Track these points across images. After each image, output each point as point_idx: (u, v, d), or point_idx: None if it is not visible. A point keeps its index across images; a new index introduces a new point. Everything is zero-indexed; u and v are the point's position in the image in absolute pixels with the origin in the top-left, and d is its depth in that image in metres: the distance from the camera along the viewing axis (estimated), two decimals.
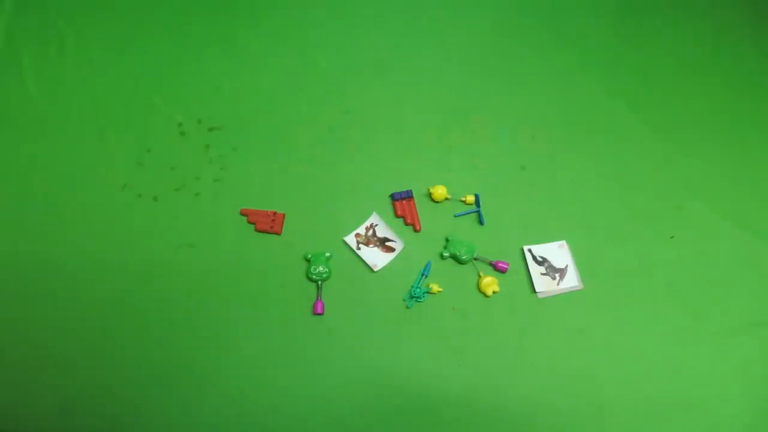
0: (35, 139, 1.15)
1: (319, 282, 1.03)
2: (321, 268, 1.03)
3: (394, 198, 1.11)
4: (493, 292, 1.04)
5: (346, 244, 1.08)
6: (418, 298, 1.03)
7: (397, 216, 1.11)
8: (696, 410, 0.98)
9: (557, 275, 1.06)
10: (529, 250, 1.08)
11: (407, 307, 1.03)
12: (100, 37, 1.27)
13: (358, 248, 1.07)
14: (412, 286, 1.04)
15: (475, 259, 1.07)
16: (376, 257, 1.06)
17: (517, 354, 1.01)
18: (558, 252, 1.08)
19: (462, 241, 1.07)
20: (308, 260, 1.05)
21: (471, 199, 1.11)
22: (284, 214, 1.09)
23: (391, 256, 1.07)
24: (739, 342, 1.03)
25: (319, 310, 1.01)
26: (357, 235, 1.08)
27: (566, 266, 1.07)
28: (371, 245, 1.08)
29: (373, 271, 1.06)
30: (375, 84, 1.24)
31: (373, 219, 1.10)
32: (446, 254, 1.06)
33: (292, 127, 1.19)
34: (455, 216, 1.11)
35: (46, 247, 1.06)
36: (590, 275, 1.07)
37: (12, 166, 1.13)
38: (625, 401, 0.98)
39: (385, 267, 1.06)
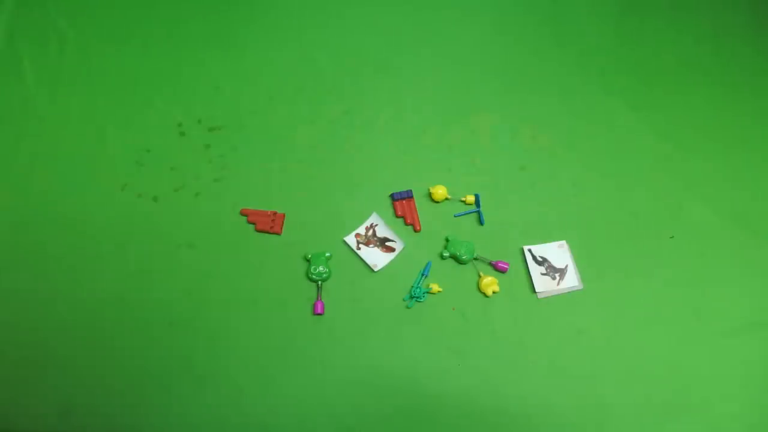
0: (35, 138, 1.15)
1: (319, 282, 1.03)
2: (321, 268, 1.03)
3: (394, 198, 1.11)
4: (493, 292, 1.04)
5: (346, 244, 1.08)
6: (418, 298, 1.03)
7: (397, 216, 1.11)
8: (696, 410, 0.98)
9: (557, 275, 1.06)
10: (529, 250, 1.08)
11: (407, 307, 1.03)
12: (100, 37, 1.27)
13: (358, 248, 1.07)
14: (412, 286, 1.04)
15: (475, 259, 1.07)
16: (376, 257, 1.06)
17: (517, 354, 1.01)
18: (558, 252, 1.08)
19: (462, 241, 1.07)
20: (308, 260, 1.05)
21: (471, 199, 1.11)
22: (284, 214, 1.09)
23: (391, 256, 1.07)
24: (739, 342, 1.03)
25: (319, 310, 1.01)
26: (357, 235, 1.08)
27: (566, 266, 1.07)
28: (371, 245, 1.08)
29: (373, 271, 1.06)
30: (375, 84, 1.24)
31: (373, 219, 1.10)
32: (446, 254, 1.06)
33: (292, 127, 1.19)
34: (455, 216, 1.11)
35: (45, 247, 1.06)
36: (590, 275, 1.07)
37: (12, 165, 1.13)
38: (625, 401, 0.98)
39: (385, 267, 1.06)
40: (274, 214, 1.09)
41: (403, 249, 1.08)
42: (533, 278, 1.06)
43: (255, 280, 1.04)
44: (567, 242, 1.09)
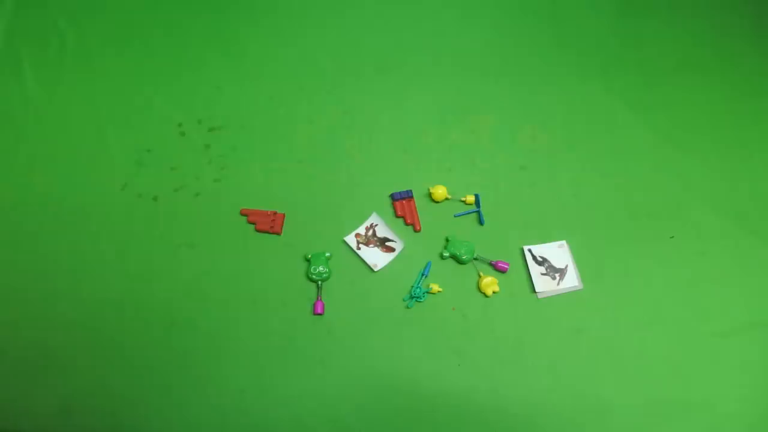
0: (35, 139, 1.16)
1: (319, 282, 1.03)
2: (321, 268, 1.03)
3: (394, 198, 1.11)
4: (493, 292, 1.04)
5: (346, 244, 1.08)
6: (418, 298, 1.03)
7: (397, 216, 1.11)
8: (696, 410, 0.98)
9: (557, 275, 1.06)
10: (529, 250, 1.08)
11: (407, 307, 1.03)
12: (100, 37, 1.27)
13: (358, 248, 1.07)
14: (412, 286, 1.04)
15: (475, 259, 1.07)
16: (376, 257, 1.06)
17: (516, 354, 1.01)
18: (558, 252, 1.08)
19: (462, 241, 1.07)
20: (308, 260, 1.05)
21: (471, 199, 1.11)
22: (284, 214, 1.09)
23: (391, 256, 1.07)
24: (739, 342, 1.03)
25: (319, 310, 1.01)
26: (357, 235, 1.08)
27: (566, 266, 1.07)
28: (371, 245, 1.08)
29: (373, 271, 1.06)
30: (375, 84, 1.24)
31: (373, 219, 1.10)
32: (446, 254, 1.06)
33: (292, 127, 1.19)
34: (455, 216, 1.11)
35: (45, 247, 1.06)
36: (590, 275, 1.07)
37: (12, 166, 1.13)
38: (625, 401, 0.98)
39: (385, 267, 1.06)
40: (274, 214, 1.09)
41: (403, 249, 1.08)
42: (533, 278, 1.06)
43: (255, 280, 1.04)
44: (567, 242, 1.09)
